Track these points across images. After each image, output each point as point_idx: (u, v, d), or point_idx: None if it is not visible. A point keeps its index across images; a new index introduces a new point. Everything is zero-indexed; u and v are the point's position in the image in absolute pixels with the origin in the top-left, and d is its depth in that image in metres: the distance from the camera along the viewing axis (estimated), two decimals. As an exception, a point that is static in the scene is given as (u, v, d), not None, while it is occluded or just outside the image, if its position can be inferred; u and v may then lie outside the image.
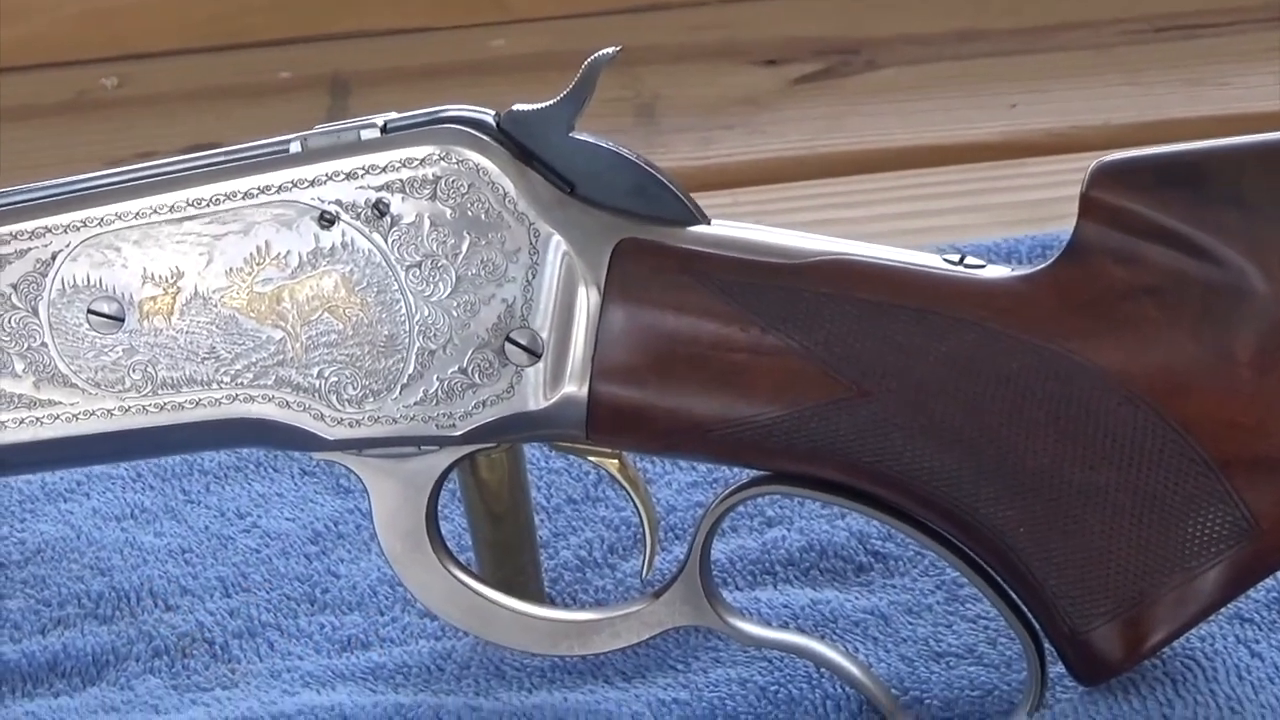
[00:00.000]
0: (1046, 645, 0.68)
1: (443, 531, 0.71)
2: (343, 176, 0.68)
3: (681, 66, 0.97)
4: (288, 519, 0.80)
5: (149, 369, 0.68)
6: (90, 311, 0.68)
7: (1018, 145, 0.87)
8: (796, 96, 0.96)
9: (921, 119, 0.94)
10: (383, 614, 0.75)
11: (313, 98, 0.88)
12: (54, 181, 0.69)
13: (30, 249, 0.68)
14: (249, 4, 0.99)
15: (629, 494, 0.70)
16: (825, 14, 1.00)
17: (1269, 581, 0.70)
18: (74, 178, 0.69)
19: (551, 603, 0.74)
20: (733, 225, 0.69)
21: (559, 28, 0.98)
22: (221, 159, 0.68)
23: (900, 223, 0.85)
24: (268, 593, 0.76)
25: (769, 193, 0.90)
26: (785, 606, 0.74)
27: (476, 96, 0.69)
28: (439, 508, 0.70)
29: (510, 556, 0.74)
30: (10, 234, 0.68)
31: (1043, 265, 0.68)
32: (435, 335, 0.68)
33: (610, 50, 0.68)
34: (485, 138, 0.68)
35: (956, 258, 0.69)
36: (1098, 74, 0.94)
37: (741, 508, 0.75)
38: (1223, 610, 0.68)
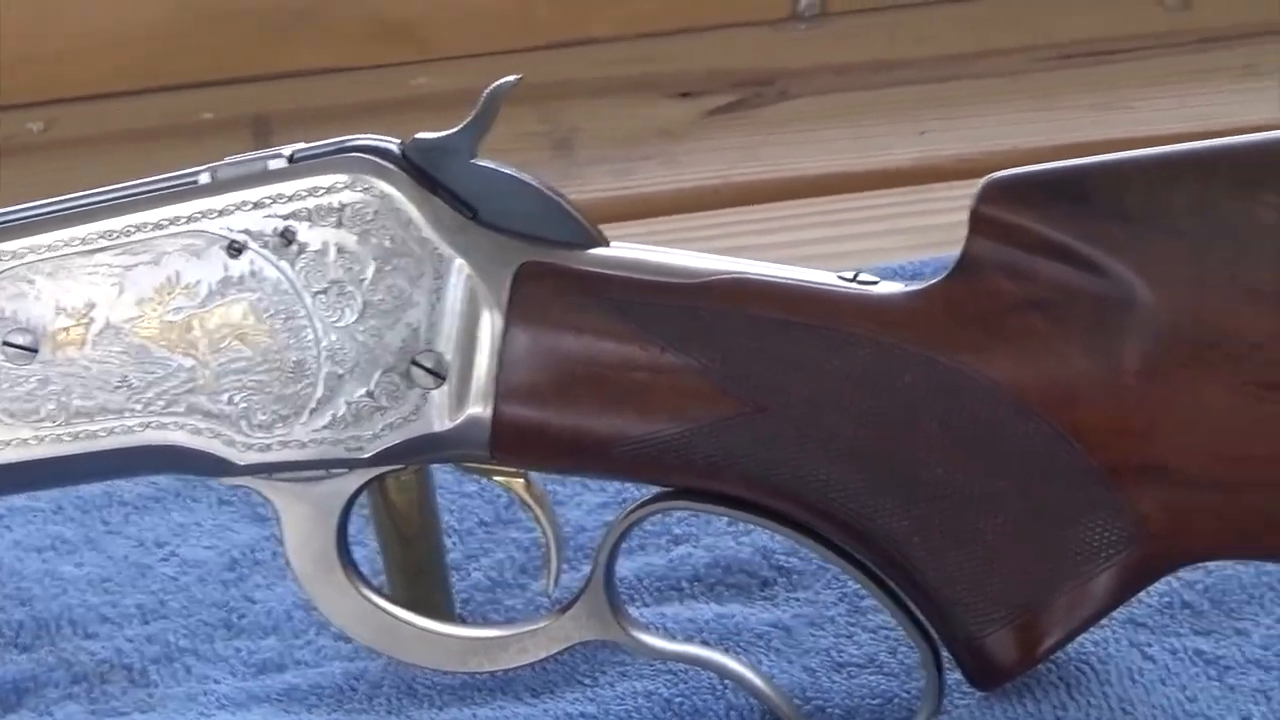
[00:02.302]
0: (944, 653, 0.70)
1: (355, 555, 0.72)
2: (250, 206, 0.69)
3: (598, 100, 0.99)
4: (205, 547, 0.80)
5: (63, 399, 0.69)
6: (4, 343, 0.69)
7: (928, 171, 0.88)
8: (711, 127, 0.97)
9: (834, 147, 0.95)
10: (297, 637, 0.76)
11: (236, 138, 0.90)
12: None
13: None
14: (172, 48, 0.99)
15: (534, 513, 0.71)
16: (739, 47, 1.01)
17: (1160, 585, 0.72)
18: None
19: (463, 622, 0.76)
20: (631, 247, 0.71)
21: (479, 64, 1.00)
22: (132, 191, 0.70)
23: (814, 248, 0.87)
24: (185, 619, 0.77)
25: (686, 221, 0.92)
26: (690, 621, 0.75)
27: (400, 133, 0.70)
28: (350, 531, 0.71)
29: (421, 577, 0.75)
30: None
31: (934, 281, 0.69)
32: (342, 360, 0.69)
33: (510, 79, 0.70)
34: (389, 165, 0.69)
35: (850, 274, 0.70)
36: (1008, 100, 0.96)
37: (650, 526, 0.78)
38: (1115, 614, 0.70)
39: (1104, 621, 0.71)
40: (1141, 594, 0.71)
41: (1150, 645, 0.73)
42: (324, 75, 1.01)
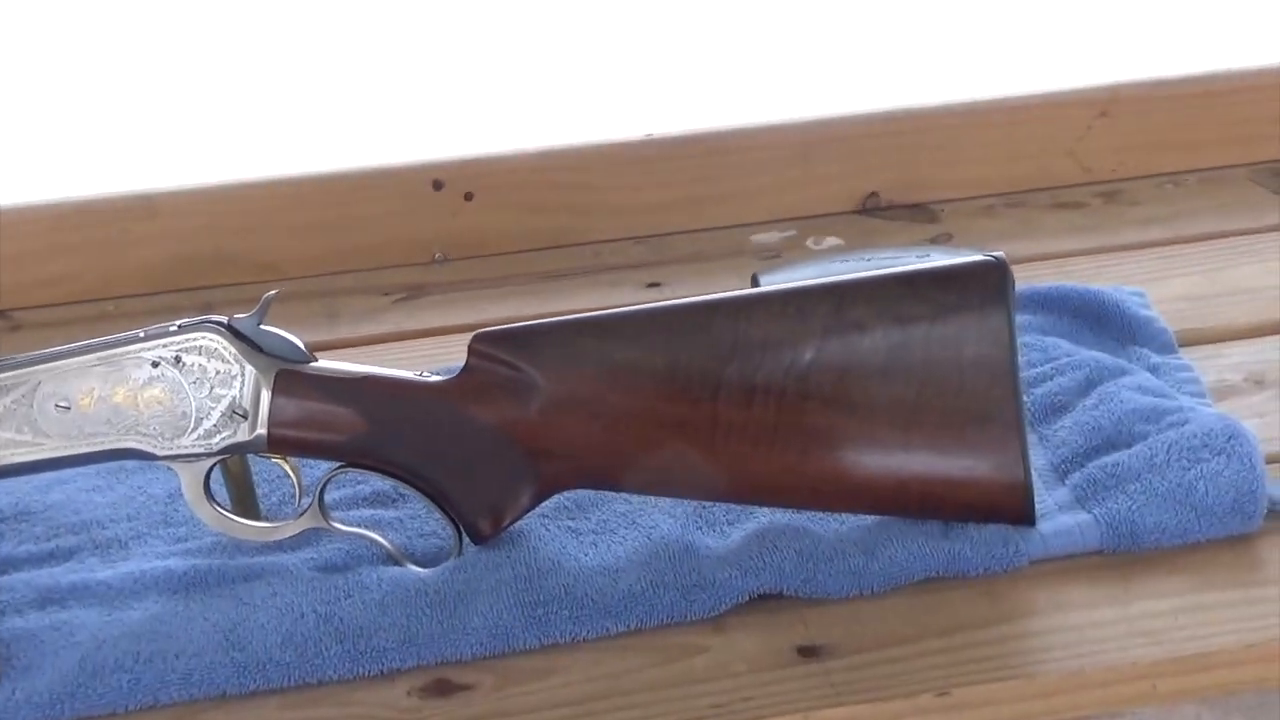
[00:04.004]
0: (462, 529, 0.69)
1: (218, 493, 0.70)
2: (162, 346, 0.68)
3: (346, 298, 0.94)
4: (160, 488, 0.76)
5: (82, 428, 0.67)
6: (55, 406, 0.67)
7: (481, 324, 0.77)
8: (395, 308, 0.92)
9: (447, 315, 0.91)
10: (194, 528, 0.72)
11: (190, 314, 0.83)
12: (30, 354, 0.68)
13: (26, 381, 0.67)
14: (156, 278, 0.95)
15: (289, 471, 0.70)
16: (410, 273, 0.95)
17: (554, 499, 0.70)
18: (40, 351, 0.68)
19: (266, 519, 0.72)
20: (329, 361, 0.69)
21: (322, 281, 0.95)
22: (111, 339, 0.68)
23: (439, 359, 0.81)
24: (148, 520, 0.74)
25: (385, 349, 0.87)
26: (360, 518, 0.72)
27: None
28: (213, 482, 0.69)
29: (244, 501, 0.72)
30: (17, 376, 0.68)
31: (455, 375, 0.69)
32: (203, 410, 0.68)
33: (273, 292, 0.69)
34: (222, 328, 0.68)
35: (420, 372, 0.70)
36: (528, 297, 0.92)
37: (345, 477, 0.73)
38: (535, 511, 0.69)
39: (530, 514, 0.69)
40: (546, 502, 0.69)
41: (548, 523, 0.71)
42: (229, 287, 0.96)
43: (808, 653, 0.64)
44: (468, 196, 0.95)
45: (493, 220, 0.95)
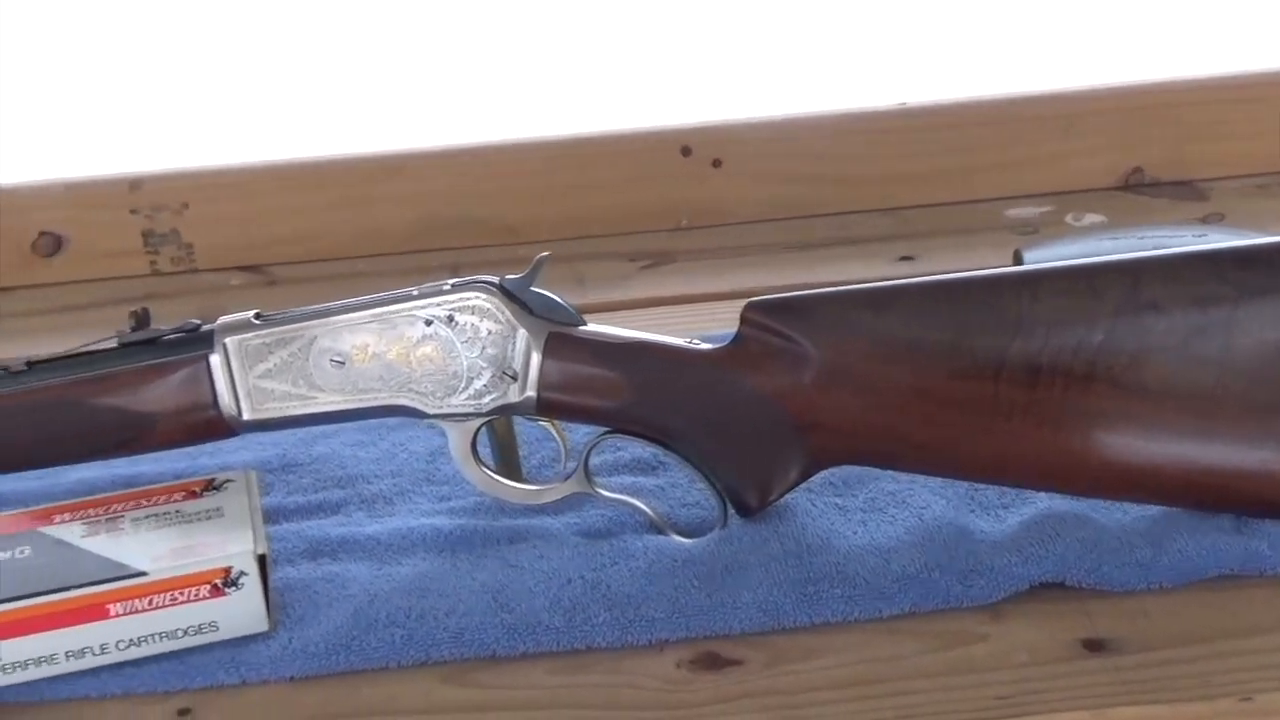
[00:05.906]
0: (727, 500, 0.68)
1: (483, 453, 0.70)
2: (436, 305, 0.67)
3: (597, 263, 0.93)
4: (422, 446, 0.76)
5: (356, 383, 0.67)
6: (330, 360, 0.67)
7: (741, 294, 0.77)
8: (643, 274, 0.92)
9: (700, 282, 0.90)
10: (458, 486, 0.72)
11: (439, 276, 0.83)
12: (304, 308, 0.68)
13: (302, 335, 0.67)
14: (411, 239, 0.95)
15: (557, 435, 0.70)
16: (655, 240, 0.94)
17: (820, 475, 0.68)
18: (314, 306, 0.68)
19: (527, 482, 0.71)
20: (596, 325, 0.68)
21: (574, 244, 0.94)
22: (384, 296, 0.68)
23: (694, 328, 0.79)
24: (411, 477, 0.74)
25: (631, 314, 0.88)
26: (621, 484, 0.72)
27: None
28: (479, 443, 0.69)
29: (508, 463, 0.71)
30: (295, 329, 0.67)
31: (727, 344, 0.67)
32: (474, 370, 0.67)
33: (546, 254, 0.68)
34: (494, 288, 0.67)
35: (689, 340, 0.68)
36: (777, 267, 0.91)
37: (608, 444, 0.72)
38: (802, 486, 0.68)
39: (797, 489, 0.68)
40: (813, 477, 0.68)
41: (814, 499, 0.70)
42: (473, 249, 0.95)
43: (1094, 646, 0.62)
44: (716, 163, 0.94)
45: (740, 188, 0.94)
